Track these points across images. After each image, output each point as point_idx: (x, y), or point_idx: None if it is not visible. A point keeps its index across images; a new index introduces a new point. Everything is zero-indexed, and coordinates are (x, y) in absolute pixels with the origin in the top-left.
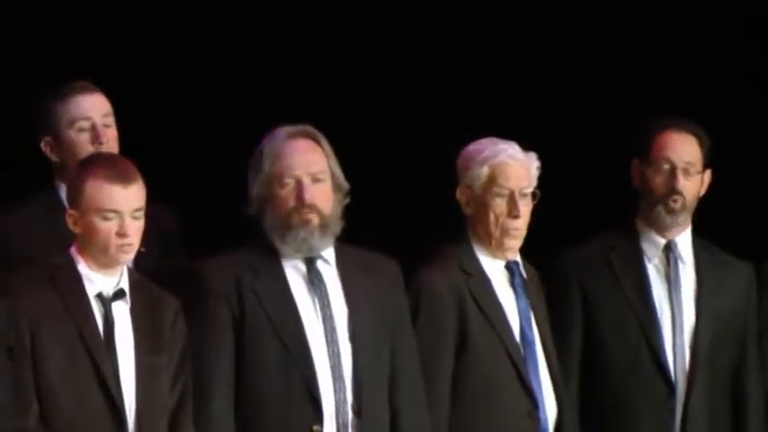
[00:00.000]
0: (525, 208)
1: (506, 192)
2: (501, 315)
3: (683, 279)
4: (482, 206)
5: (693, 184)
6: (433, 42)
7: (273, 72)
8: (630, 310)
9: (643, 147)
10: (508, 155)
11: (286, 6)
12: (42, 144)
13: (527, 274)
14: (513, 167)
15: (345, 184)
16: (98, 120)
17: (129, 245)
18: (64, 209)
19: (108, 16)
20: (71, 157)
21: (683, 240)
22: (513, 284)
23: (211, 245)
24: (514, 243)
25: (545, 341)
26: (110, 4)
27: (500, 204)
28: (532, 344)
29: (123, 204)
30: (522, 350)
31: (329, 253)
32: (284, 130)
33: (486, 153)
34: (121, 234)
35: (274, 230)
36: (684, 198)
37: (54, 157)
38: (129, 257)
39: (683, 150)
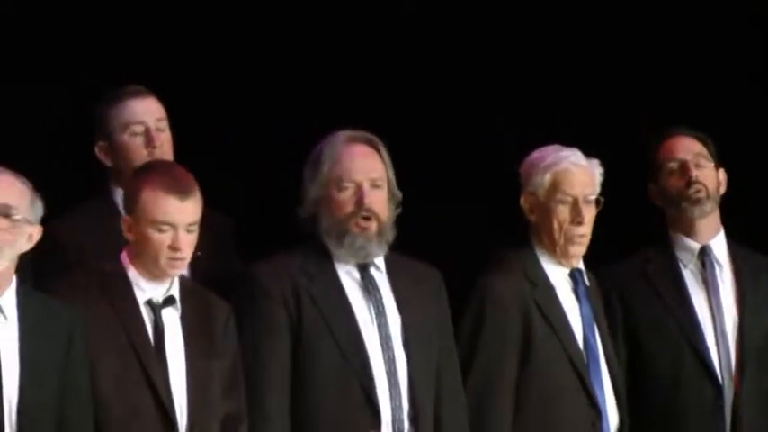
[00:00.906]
0: (589, 215)
1: (569, 198)
2: (564, 323)
3: (721, 282)
4: (546, 213)
5: (709, 173)
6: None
7: (317, 77)
8: (671, 316)
9: (652, 165)
10: (571, 162)
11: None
12: (96, 149)
13: (589, 281)
14: (576, 174)
15: (399, 193)
16: (152, 124)
17: (181, 259)
18: (117, 214)
19: (163, 22)
20: (125, 161)
21: (718, 244)
22: (576, 292)
23: (263, 248)
24: (578, 250)
25: (607, 349)
26: (162, 11)
27: (563, 211)
28: (596, 352)
29: (178, 218)
30: (585, 358)
31: (380, 260)
32: (344, 134)
33: (548, 160)
34: (174, 248)
35: (330, 234)
36: (704, 186)
37: (108, 162)
38: (179, 271)
39: (687, 146)
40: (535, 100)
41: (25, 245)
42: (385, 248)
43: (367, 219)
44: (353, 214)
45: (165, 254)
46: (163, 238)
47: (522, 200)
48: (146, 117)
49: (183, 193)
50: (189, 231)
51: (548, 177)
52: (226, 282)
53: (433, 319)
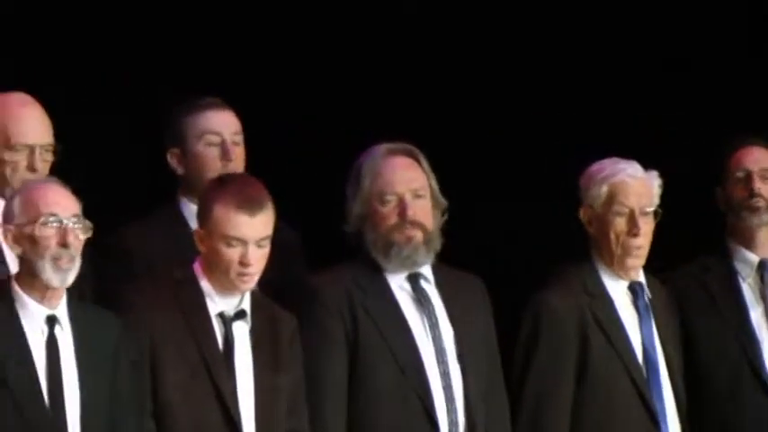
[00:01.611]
0: (646, 226)
1: (626, 210)
2: (623, 337)
3: None
4: (603, 225)
5: None
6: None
7: (384, 86)
8: (729, 328)
9: (722, 170)
10: (627, 174)
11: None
12: (169, 155)
13: (654, 291)
14: (633, 186)
15: (444, 201)
16: (228, 137)
17: (250, 274)
18: (184, 223)
19: (243, 36)
20: (197, 170)
21: None
22: (636, 306)
23: (331, 261)
24: (636, 262)
25: (670, 363)
26: (243, 24)
27: (620, 223)
28: (656, 366)
29: (248, 233)
30: (645, 373)
31: (428, 271)
32: (383, 147)
33: (605, 172)
34: (244, 263)
35: (377, 247)
36: (765, 199)
37: (180, 170)
38: (249, 286)
39: (757, 158)
40: (594, 110)
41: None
42: (432, 257)
43: (413, 228)
44: (397, 226)
45: (234, 269)
46: (233, 254)
47: (580, 212)
48: (223, 129)
49: (254, 208)
50: (260, 246)
51: (604, 189)
52: (293, 296)
53: (480, 331)
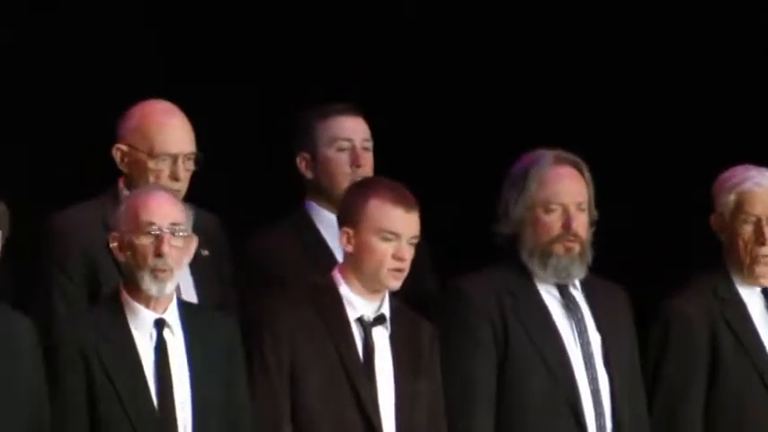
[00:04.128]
0: None
1: (753, 218)
2: (756, 340)
3: None
4: (732, 233)
5: None
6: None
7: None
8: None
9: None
10: (755, 182)
11: None
12: (298, 160)
13: None
14: (760, 194)
15: (595, 215)
16: (358, 142)
17: (402, 270)
18: (314, 227)
19: (371, 42)
20: (327, 175)
21: None
22: None
23: (457, 267)
24: (764, 270)
25: None
26: (374, 31)
27: (747, 231)
28: None
29: (404, 228)
30: None
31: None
32: (550, 155)
33: (734, 180)
34: (398, 257)
35: (533, 254)
36: None
37: (309, 175)
38: (398, 284)
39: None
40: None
41: (187, 259)
42: (585, 269)
43: (574, 241)
44: (560, 237)
45: (387, 264)
46: (387, 248)
47: (712, 219)
48: (354, 135)
49: (409, 205)
50: (411, 244)
51: (732, 197)
52: (420, 303)
53: (624, 338)
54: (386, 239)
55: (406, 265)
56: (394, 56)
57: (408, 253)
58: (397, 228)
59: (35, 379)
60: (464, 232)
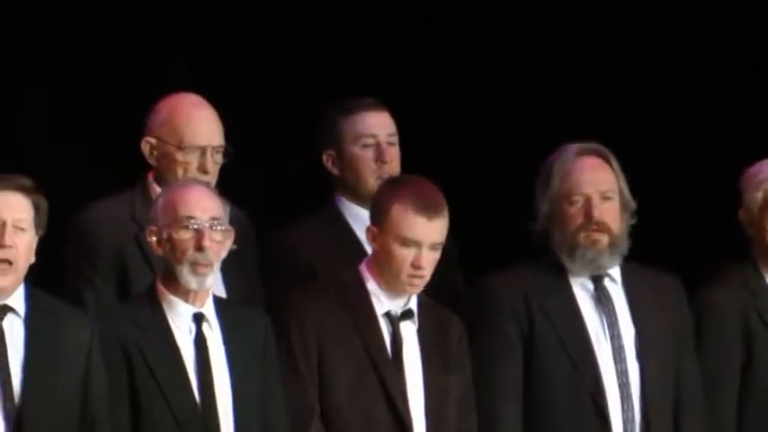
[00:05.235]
0: None
1: None
2: None
3: None
4: (759, 228)
5: None
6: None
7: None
8: None
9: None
10: None
11: None
12: (324, 157)
13: None
14: None
15: (633, 203)
16: (383, 138)
17: (421, 277)
18: (343, 223)
19: (392, 37)
20: (352, 172)
21: None
22: None
23: (487, 265)
24: None
25: None
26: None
27: None
28: None
29: (424, 236)
30: None
31: (615, 271)
32: (574, 147)
33: (761, 176)
34: (416, 265)
35: (562, 248)
36: None
37: (335, 171)
38: (417, 290)
39: None
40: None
41: (224, 253)
42: (618, 260)
43: (598, 231)
44: (583, 227)
45: (405, 271)
46: (406, 255)
47: (740, 213)
48: (378, 130)
49: (432, 212)
50: (433, 249)
51: (759, 194)
52: (455, 296)
53: (672, 331)
54: (406, 246)
55: (425, 273)
56: (429, 50)
57: (427, 260)
58: (417, 236)
59: (88, 379)
60: (499, 230)
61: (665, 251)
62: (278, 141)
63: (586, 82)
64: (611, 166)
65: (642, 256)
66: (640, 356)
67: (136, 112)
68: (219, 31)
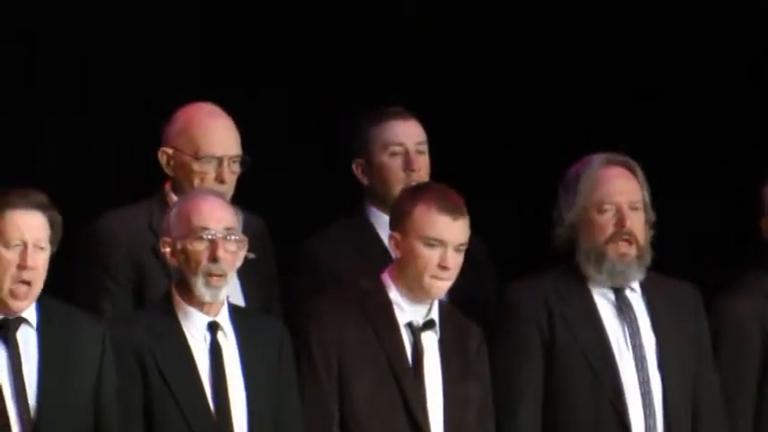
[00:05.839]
0: None
1: None
2: None
3: None
4: None
5: None
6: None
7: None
8: None
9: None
10: None
11: None
12: (354, 166)
13: None
14: None
15: (653, 216)
16: (411, 146)
17: (445, 279)
18: (372, 232)
19: (424, 45)
20: (381, 181)
21: None
22: None
23: (519, 273)
24: None
25: None
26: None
27: None
28: None
29: (448, 236)
30: None
31: (635, 281)
32: (602, 157)
33: None
34: (442, 266)
35: (589, 257)
36: None
37: (365, 180)
38: (441, 293)
39: None
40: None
41: (239, 263)
42: (644, 272)
43: (628, 242)
44: (614, 236)
45: (430, 271)
46: (431, 255)
47: (763, 224)
48: (406, 139)
49: (455, 213)
50: (457, 251)
51: None
52: (481, 306)
53: (691, 341)
54: (431, 246)
55: (451, 274)
56: (453, 55)
57: (453, 261)
58: (443, 235)
59: (99, 388)
60: (522, 236)
61: (681, 259)
62: (308, 147)
63: (599, 88)
64: (636, 177)
65: (659, 265)
66: (661, 366)
67: (155, 122)
68: (240, 35)
